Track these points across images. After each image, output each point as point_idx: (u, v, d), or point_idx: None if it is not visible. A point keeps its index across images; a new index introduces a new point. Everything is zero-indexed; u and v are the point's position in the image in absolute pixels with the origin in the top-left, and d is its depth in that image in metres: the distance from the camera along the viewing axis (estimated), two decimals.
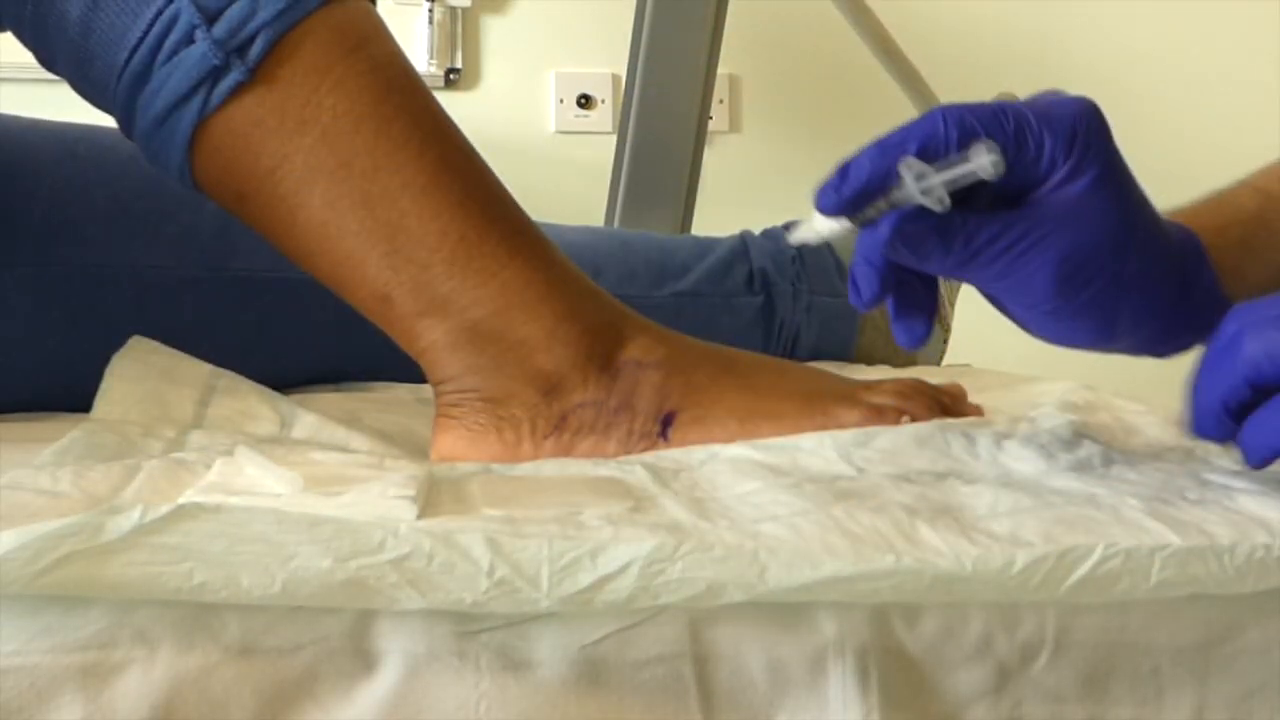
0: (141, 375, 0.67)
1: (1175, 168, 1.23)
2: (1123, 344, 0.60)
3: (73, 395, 0.74)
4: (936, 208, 0.54)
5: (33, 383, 0.81)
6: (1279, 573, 0.44)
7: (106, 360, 0.69)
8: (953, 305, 1.11)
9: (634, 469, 0.59)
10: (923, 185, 0.54)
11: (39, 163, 0.84)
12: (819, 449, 0.61)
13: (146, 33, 0.64)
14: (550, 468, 0.61)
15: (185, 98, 0.64)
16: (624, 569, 0.43)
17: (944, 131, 0.54)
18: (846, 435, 0.62)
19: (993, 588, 0.43)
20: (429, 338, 0.66)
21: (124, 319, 0.83)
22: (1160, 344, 0.61)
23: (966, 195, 0.55)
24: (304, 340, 0.91)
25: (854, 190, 0.56)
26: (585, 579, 0.43)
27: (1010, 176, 0.55)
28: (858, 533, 0.46)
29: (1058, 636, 0.45)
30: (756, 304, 1.03)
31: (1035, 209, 0.56)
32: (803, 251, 1.05)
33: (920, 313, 0.60)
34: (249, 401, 0.68)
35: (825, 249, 1.04)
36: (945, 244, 0.55)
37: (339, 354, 0.92)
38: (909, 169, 0.54)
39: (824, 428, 0.64)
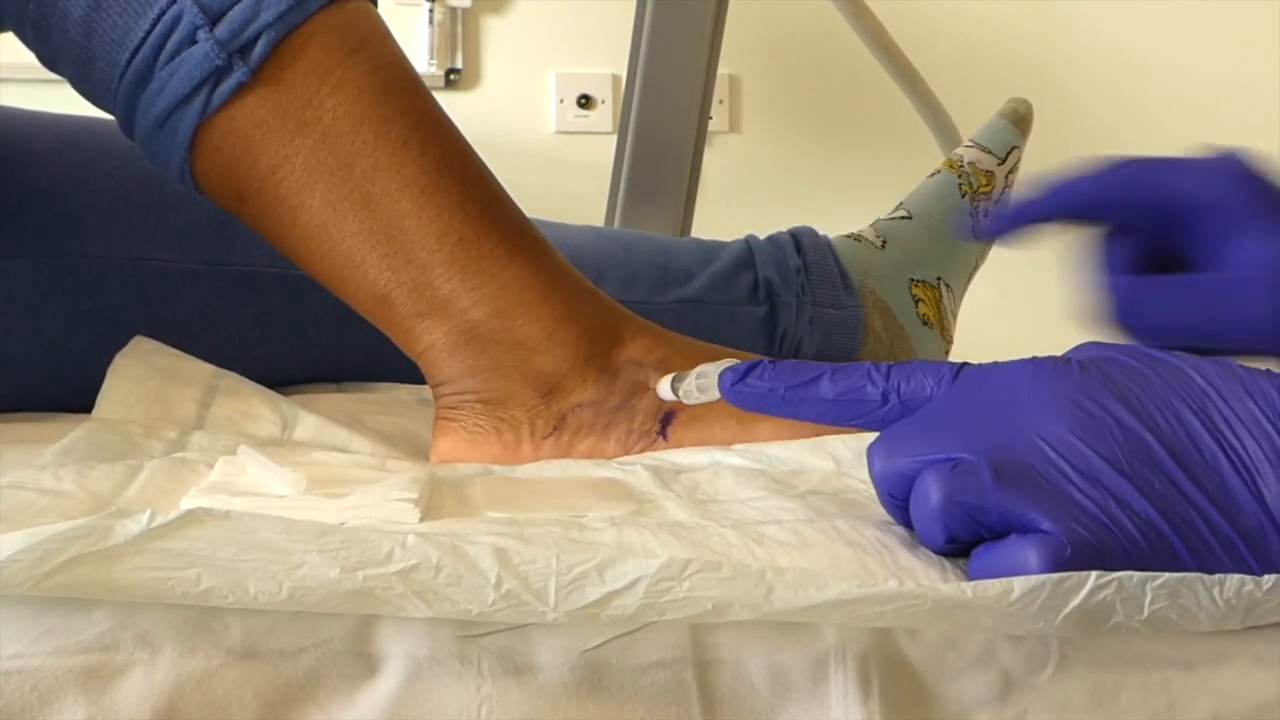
0: (143, 375, 0.67)
1: None
2: None
3: (73, 388, 0.74)
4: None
5: (33, 375, 0.81)
6: (1267, 609, 0.44)
7: (107, 353, 0.68)
8: (955, 315, 1.10)
9: (635, 470, 0.59)
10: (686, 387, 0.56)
11: (39, 155, 0.83)
12: (822, 462, 0.61)
13: (149, 33, 0.64)
14: (551, 469, 0.61)
15: (187, 98, 0.64)
16: (631, 585, 0.42)
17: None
18: (847, 449, 0.62)
19: (991, 614, 0.43)
20: (428, 339, 0.66)
21: (124, 312, 0.83)
22: None
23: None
24: (304, 336, 0.91)
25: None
26: (593, 593, 0.42)
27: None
28: (862, 544, 0.46)
29: (1063, 648, 0.45)
30: (759, 314, 1.02)
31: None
32: (808, 263, 1.04)
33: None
34: (251, 402, 0.68)
35: (830, 259, 1.04)
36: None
37: (339, 350, 0.92)
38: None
39: (823, 431, 0.64)
